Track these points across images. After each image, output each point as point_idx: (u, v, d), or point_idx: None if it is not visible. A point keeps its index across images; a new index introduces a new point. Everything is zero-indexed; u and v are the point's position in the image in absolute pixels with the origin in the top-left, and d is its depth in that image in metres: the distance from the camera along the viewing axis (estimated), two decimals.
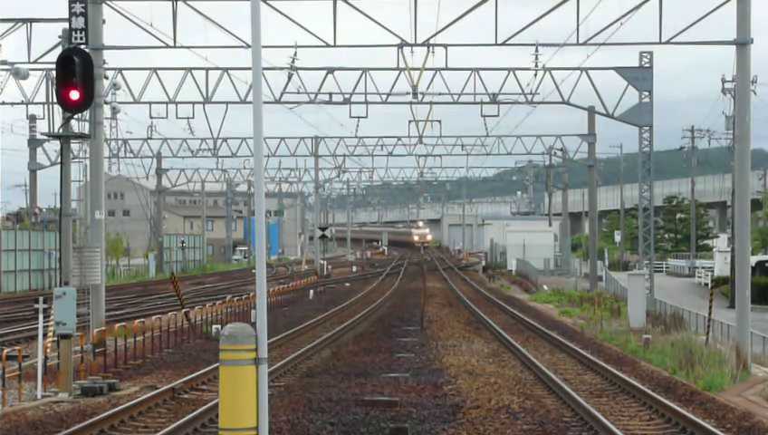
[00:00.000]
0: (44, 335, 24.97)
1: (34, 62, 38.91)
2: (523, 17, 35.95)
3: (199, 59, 41.25)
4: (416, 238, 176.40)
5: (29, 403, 22.00)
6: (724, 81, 64.48)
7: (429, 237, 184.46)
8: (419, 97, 48.33)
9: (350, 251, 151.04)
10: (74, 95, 21.29)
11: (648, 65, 47.70)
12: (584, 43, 35.44)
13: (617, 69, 46.12)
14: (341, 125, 73.34)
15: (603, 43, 35.90)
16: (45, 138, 56.12)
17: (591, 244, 73.71)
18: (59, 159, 26.95)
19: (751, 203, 33.23)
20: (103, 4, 33.22)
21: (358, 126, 64.55)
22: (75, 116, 24.66)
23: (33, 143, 73.95)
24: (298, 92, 48.72)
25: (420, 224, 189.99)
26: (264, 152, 11.91)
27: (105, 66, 34.53)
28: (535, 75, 46.55)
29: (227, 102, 54.45)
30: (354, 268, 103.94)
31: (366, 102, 51.72)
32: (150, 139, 76.85)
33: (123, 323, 34.24)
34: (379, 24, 35.89)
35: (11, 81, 48.13)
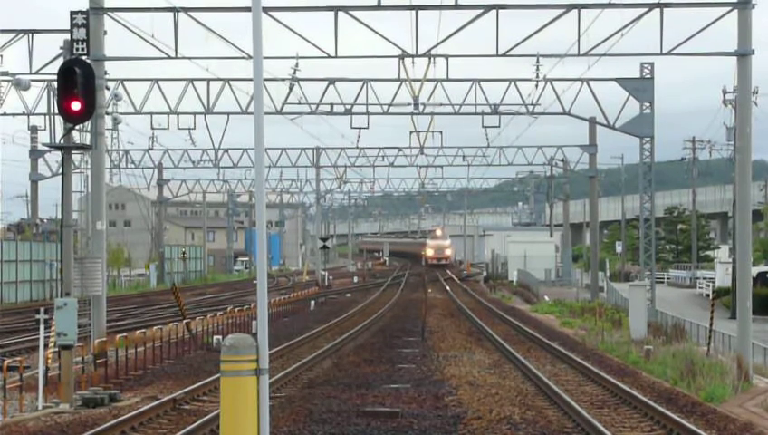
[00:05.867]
0: (45, 346, 24.96)
1: (36, 73, 38.98)
2: (524, 28, 35.99)
3: (200, 70, 41.44)
4: (429, 253, 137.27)
5: (30, 414, 21.99)
6: (725, 92, 64.48)
7: (449, 252, 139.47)
8: (420, 108, 48.44)
9: (350, 262, 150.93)
10: (76, 106, 21.31)
11: (648, 76, 47.75)
12: (585, 54, 35.46)
13: (618, 80, 46.18)
14: (343, 136, 73.44)
15: (604, 54, 35.92)
16: (47, 148, 56.22)
17: (593, 254, 73.69)
18: (60, 170, 26.97)
19: (752, 214, 33.26)
20: (105, 16, 33.27)
21: (359, 137, 64.58)
22: (76, 127, 24.66)
23: (35, 154, 73.99)
24: (299, 103, 48.82)
25: (438, 233, 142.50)
26: (265, 163, 11.92)
27: (106, 77, 34.59)
28: (536, 86, 46.72)
29: (228, 113, 54.54)
30: (355, 279, 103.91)
31: (367, 113, 51.86)
32: (152, 149, 77.01)
33: (124, 334, 34.23)
34: (381, 36, 35.94)
35: (12, 91, 48.21)
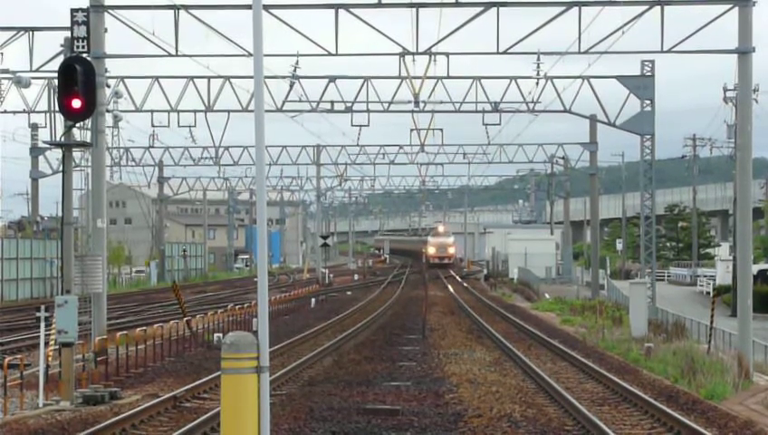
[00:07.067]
0: (46, 344, 24.98)
1: (36, 70, 38.95)
2: (525, 26, 35.95)
3: (201, 67, 41.37)
4: (431, 251, 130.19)
5: (31, 412, 22.00)
6: (725, 89, 64.56)
7: (453, 250, 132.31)
8: (421, 106, 48.43)
9: (351, 260, 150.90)
10: (76, 104, 21.31)
11: (649, 74, 47.72)
12: (586, 52, 35.42)
13: (618, 78, 46.17)
14: (343, 134, 73.32)
15: (605, 52, 35.89)
16: (47, 146, 56.17)
17: (593, 252, 73.70)
18: (61, 168, 26.98)
19: (752, 212, 33.24)
20: (105, 13, 33.25)
21: (359, 134, 64.46)
22: (77, 125, 24.67)
23: (35, 152, 74.04)
24: (300, 101, 48.79)
25: (441, 229, 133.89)
26: (265, 161, 11.92)
27: (107, 75, 34.55)
28: (537, 84, 46.67)
29: (229, 111, 54.47)
30: (356, 276, 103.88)
31: (368, 111, 51.81)
32: (152, 147, 77.15)
33: (125, 332, 34.21)
34: (381, 33, 35.89)
35: (13, 89, 48.21)
